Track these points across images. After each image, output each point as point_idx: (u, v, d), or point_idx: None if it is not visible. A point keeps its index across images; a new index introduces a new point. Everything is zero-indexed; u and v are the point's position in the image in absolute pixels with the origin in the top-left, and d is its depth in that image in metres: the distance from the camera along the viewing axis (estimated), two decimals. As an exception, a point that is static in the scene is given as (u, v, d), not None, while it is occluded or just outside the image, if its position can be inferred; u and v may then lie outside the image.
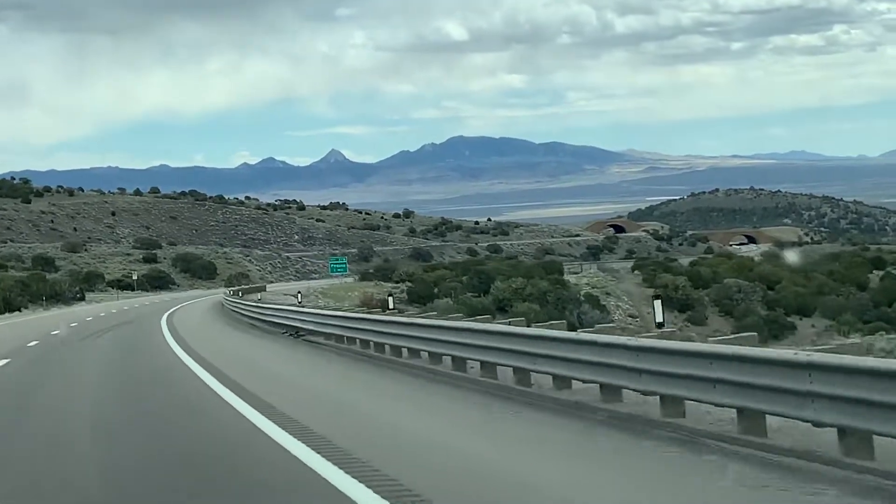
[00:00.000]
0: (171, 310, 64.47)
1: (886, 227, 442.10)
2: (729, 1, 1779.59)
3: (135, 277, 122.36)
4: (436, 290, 78.10)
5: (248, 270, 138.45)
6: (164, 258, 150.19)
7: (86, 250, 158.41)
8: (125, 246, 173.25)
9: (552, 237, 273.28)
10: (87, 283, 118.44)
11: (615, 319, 72.48)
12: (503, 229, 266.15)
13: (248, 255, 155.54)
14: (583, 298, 72.06)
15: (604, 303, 76.04)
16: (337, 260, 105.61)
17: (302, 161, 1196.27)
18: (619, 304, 79.10)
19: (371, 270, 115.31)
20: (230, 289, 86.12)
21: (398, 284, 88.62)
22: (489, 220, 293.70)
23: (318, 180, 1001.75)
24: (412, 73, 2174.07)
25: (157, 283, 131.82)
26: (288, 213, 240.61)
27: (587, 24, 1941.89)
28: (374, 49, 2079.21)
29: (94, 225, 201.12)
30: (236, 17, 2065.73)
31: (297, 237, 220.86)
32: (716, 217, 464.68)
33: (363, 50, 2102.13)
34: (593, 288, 79.52)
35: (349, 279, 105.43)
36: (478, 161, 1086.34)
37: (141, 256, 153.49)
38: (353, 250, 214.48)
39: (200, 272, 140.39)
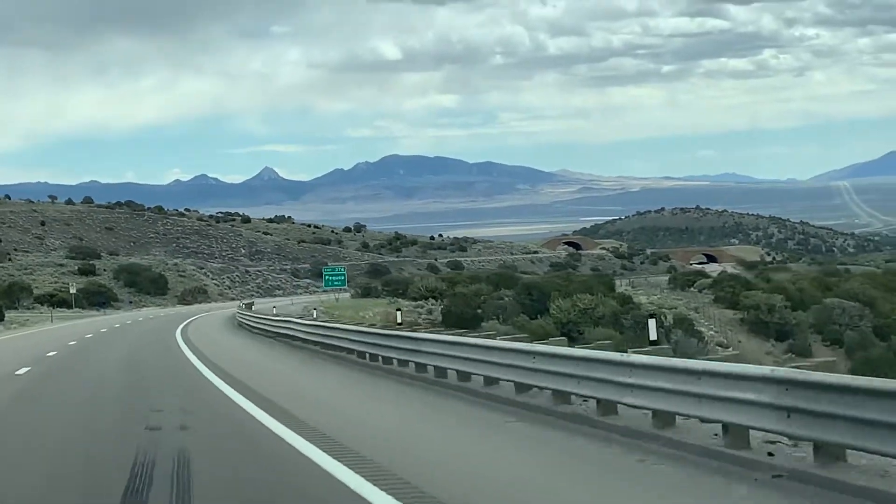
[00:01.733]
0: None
1: (834, 249, 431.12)
2: (660, 24, 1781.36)
3: (73, 291, 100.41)
4: (479, 311, 59.84)
5: (205, 285, 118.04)
6: (105, 270, 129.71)
7: (10, 260, 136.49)
8: (57, 256, 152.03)
9: (512, 254, 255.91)
10: (8, 299, 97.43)
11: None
12: (461, 245, 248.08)
13: (202, 268, 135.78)
14: (671, 322, 54.15)
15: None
16: (333, 271, 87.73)
17: (235, 178, 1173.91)
18: (700, 328, 61.11)
19: (378, 286, 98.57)
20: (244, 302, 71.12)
21: (419, 302, 70.52)
22: (439, 236, 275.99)
23: (252, 198, 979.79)
24: (346, 92, 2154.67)
25: (97, 298, 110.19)
26: (233, 226, 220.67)
27: (520, 45, 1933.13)
28: (308, 67, 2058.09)
29: (20, 235, 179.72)
30: (170, 34, 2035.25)
31: (244, 251, 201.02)
32: (662, 236, 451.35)
33: (297, 68, 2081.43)
34: (660, 308, 61.53)
35: (345, 294, 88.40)
36: (412, 180, 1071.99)
37: (76, 268, 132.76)
38: (305, 265, 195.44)
39: (148, 287, 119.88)
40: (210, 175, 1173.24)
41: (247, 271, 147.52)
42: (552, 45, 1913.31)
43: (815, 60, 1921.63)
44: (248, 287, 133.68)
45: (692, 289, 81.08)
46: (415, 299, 74.62)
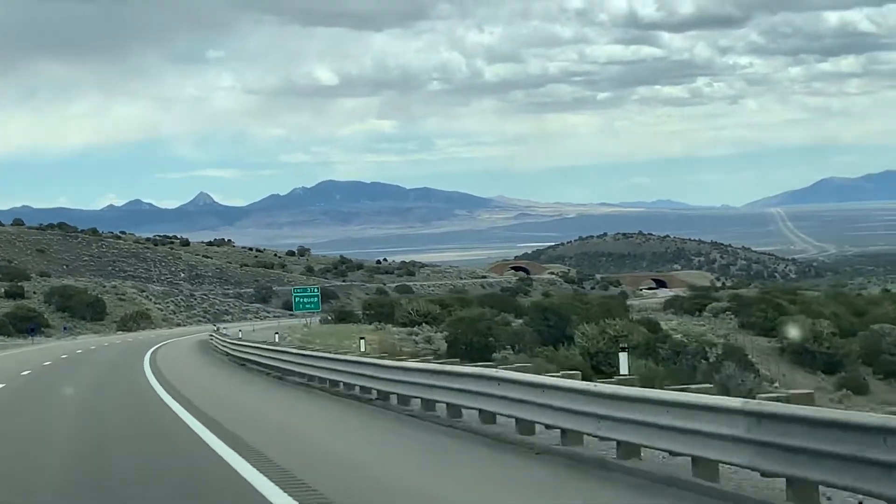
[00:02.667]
0: None
1: (776, 274, 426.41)
2: (595, 51, 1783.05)
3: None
4: (489, 339, 50.00)
5: (147, 310, 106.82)
6: (35, 292, 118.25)
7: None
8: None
9: (461, 278, 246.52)
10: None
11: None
12: (409, 269, 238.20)
13: (143, 291, 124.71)
14: (718, 353, 44.81)
15: (712, 357, 48.82)
16: (305, 292, 77.81)
17: (170, 204, 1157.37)
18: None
19: (355, 310, 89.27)
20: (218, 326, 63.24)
21: (410, 328, 60.73)
22: (384, 260, 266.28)
23: (187, 223, 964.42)
24: (282, 117, 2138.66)
25: (26, 325, 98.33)
26: (172, 249, 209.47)
27: (457, 72, 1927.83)
28: (244, 92, 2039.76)
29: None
30: (103, 59, 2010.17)
31: (183, 274, 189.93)
32: (605, 262, 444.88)
33: (232, 93, 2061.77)
34: (686, 334, 52.12)
35: (313, 319, 78.73)
36: (349, 205, 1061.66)
37: (2, 290, 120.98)
38: (248, 290, 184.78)
39: (84, 311, 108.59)
40: (145, 200, 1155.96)
41: (192, 295, 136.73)
42: (489, 72, 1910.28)
43: (748, 88, 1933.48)
44: (195, 312, 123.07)
45: (704, 313, 71.64)
46: (404, 325, 64.91)
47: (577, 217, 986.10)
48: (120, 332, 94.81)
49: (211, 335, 65.54)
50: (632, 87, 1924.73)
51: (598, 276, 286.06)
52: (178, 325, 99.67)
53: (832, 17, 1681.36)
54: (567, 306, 60.73)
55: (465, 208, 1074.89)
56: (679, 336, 50.51)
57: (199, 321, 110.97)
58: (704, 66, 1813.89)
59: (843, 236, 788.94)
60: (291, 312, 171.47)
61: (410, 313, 68.69)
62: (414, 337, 54.93)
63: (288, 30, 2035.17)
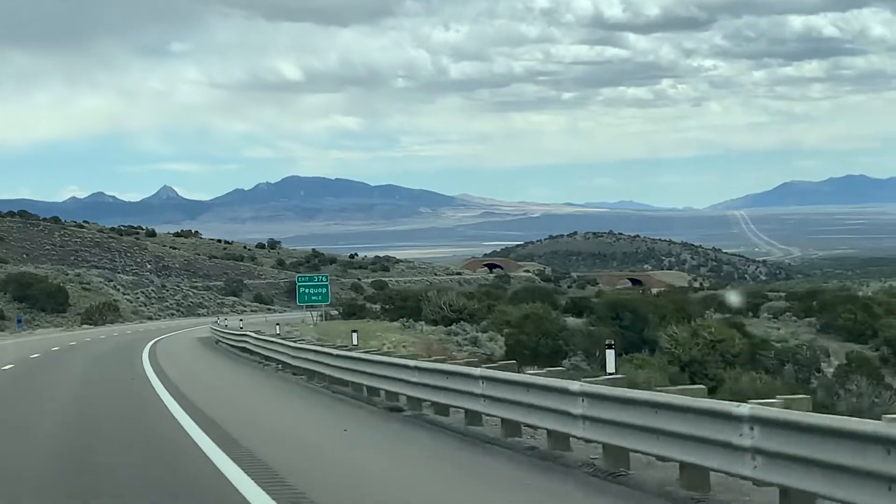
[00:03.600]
0: None
1: (746, 276, 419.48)
2: (560, 51, 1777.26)
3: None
4: (558, 342, 40.44)
5: (115, 300, 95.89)
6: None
7: None
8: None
9: (436, 274, 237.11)
10: None
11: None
12: (383, 265, 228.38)
13: (111, 281, 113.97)
14: (842, 365, 35.52)
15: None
16: (311, 281, 67.77)
17: (133, 196, 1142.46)
18: (828, 367, 42.55)
19: (369, 304, 79.83)
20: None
21: (446, 326, 50.96)
22: (354, 255, 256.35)
23: (150, 216, 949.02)
24: (247, 112, 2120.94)
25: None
26: (137, 239, 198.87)
27: (422, 69, 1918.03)
28: (208, 86, 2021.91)
29: None
30: (66, 50, 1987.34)
31: (149, 266, 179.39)
32: (575, 261, 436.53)
33: (197, 86, 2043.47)
34: (766, 339, 42.76)
35: (313, 314, 69.23)
36: (313, 201, 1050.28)
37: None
38: (218, 283, 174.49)
39: (44, 302, 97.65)
40: (108, 193, 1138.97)
41: (163, 286, 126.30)
42: (454, 70, 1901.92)
43: (712, 91, 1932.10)
44: (167, 304, 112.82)
45: (761, 314, 62.08)
46: (435, 322, 55.10)
47: (541, 216, 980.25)
48: (86, 327, 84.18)
49: (214, 329, 57.23)
50: (597, 88, 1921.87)
51: (574, 275, 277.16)
52: (150, 318, 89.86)
53: (796, 22, 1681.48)
54: (639, 303, 50.98)
55: (429, 206, 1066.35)
56: (777, 343, 41.01)
57: (172, 314, 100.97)
58: (669, 68, 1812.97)
59: (807, 239, 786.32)
60: (269, 306, 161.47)
61: (442, 308, 58.50)
62: (455, 337, 45.24)
63: (254, 24, 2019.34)
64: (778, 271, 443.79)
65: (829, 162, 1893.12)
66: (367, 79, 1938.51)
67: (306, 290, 65.60)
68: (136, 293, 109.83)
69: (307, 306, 68.46)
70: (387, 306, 74.34)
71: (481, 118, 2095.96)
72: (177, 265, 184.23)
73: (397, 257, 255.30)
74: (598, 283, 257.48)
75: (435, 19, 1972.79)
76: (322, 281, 67.74)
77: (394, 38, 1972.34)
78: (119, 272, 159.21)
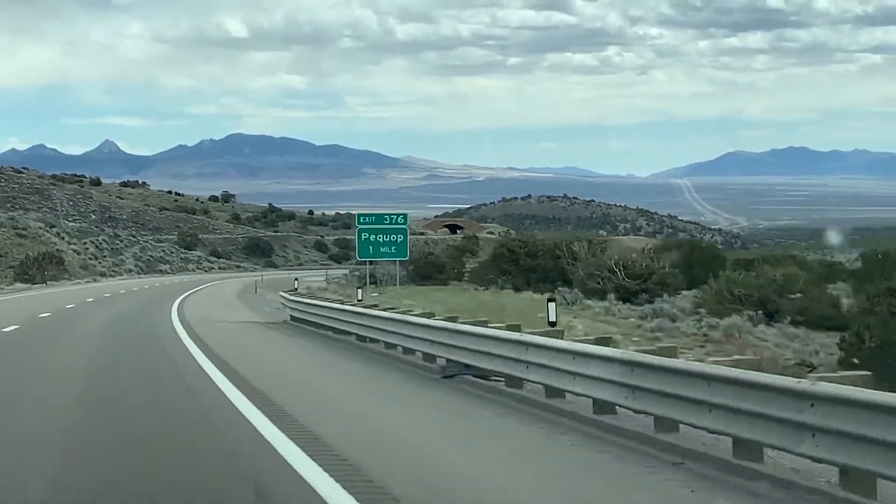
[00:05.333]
0: None
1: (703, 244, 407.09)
2: (507, 15, 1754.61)
3: None
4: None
5: (59, 251, 76.66)
6: None
7: None
8: None
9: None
10: None
11: None
12: (345, 222, 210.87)
13: (53, 227, 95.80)
14: None
15: None
16: (381, 223, 48.93)
17: (74, 150, 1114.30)
18: None
19: (464, 269, 63.07)
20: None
21: (635, 303, 33.95)
22: (309, 212, 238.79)
23: (91, 170, 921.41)
24: (191, 68, 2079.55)
25: None
26: (82, 187, 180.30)
27: (369, 29, 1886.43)
28: (153, 40, 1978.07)
29: None
30: (14, 1, 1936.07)
31: (94, 216, 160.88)
32: (529, 224, 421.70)
33: (141, 41, 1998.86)
34: None
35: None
36: (257, 159, 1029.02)
37: None
38: (170, 236, 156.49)
39: (-32, 251, 79.67)
40: (48, 145, 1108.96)
41: (117, 236, 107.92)
42: (401, 31, 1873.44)
43: (657, 60, 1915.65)
44: (122, 258, 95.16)
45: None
46: (602, 293, 37.73)
47: (486, 180, 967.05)
48: (20, 286, 65.55)
49: (289, 300, 42.07)
50: (543, 54, 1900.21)
51: (539, 237, 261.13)
52: (103, 274, 72.92)
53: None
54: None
55: (374, 167, 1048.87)
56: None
57: (130, 271, 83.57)
58: (615, 35, 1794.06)
59: (751, 209, 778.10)
60: (228, 264, 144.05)
61: (614, 273, 40.45)
62: (672, 323, 28.50)
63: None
64: (734, 240, 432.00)
65: (771, 133, 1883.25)
66: (313, 37, 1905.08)
67: (373, 239, 47.31)
68: (85, 243, 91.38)
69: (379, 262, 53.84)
70: (502, 264, 57.03)
71: (427, 81, 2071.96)
72: (124, 216, 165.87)
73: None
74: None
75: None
76: (399, 223, 48.54)
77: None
78: (61, 222, 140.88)
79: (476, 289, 52.90)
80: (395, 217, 51.54)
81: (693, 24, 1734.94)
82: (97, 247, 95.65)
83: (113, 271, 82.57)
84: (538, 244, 67.26)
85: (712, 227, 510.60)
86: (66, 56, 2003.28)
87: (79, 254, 78.42)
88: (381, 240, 48.28)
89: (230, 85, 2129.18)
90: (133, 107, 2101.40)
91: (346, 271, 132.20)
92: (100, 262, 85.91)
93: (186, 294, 53.55)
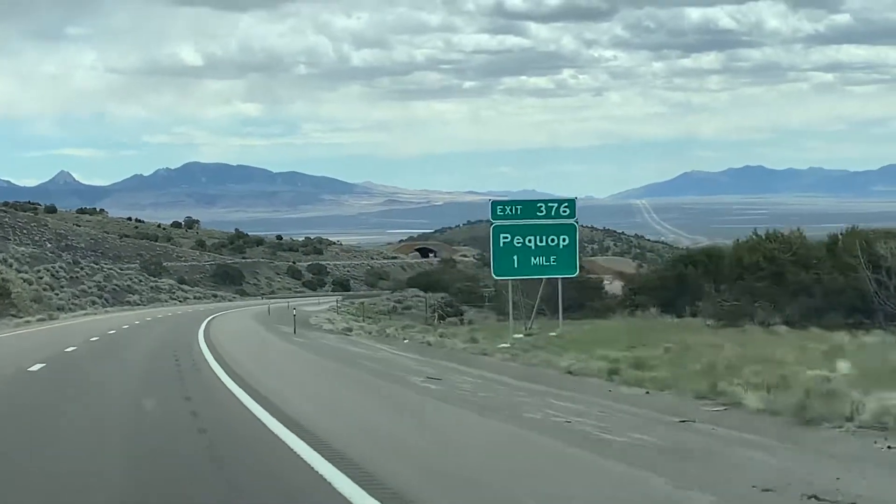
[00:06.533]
0: None
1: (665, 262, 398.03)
2: (462, 40, 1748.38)
3: None
4: None
5: (5, 281, 63.72)
6: None
7: None
8: None
9: (372, 258, 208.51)
10: None
11: None
12: (316, 247, 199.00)
13: (0, 253, 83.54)
14: None
15: None
16: (533, 214, 34.48)
17: (29, 182, 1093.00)
18: None
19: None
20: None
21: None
22: (278, 238, 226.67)
23: (47, 201, 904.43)
24: (145, 97, 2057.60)
25: None
26: (36, 214, 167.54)
27: (324, 56, 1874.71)
28: (105, 71, 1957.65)
29: None
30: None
31: (50, 244, 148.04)
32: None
33: (93, 71, 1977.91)
34: None
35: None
36: (214, 187, 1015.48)
37: None
38: (132, 265, 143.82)
39: None
40: (2, 178, 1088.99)
41: (76, 263, 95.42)
42: (356, 57, 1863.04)
43: (612, 82, 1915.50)
44: (84, 288, 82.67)
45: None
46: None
47: (444, 204, 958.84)
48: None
49: None
50: (498, 77, 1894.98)
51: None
52: (60, 308, 61.08)
53: (695, 14, 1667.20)
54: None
55: (332, 193, 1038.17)
56: None
57: (95, 304, 71.59)
58: (570, 58, 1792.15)
59: (711, 229, 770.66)
60: (204, 293, 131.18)
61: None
62: None
63: (151, 8, 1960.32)
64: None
65: (727, 153, 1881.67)
66: (267, 65, 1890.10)
67: (519, 245, 32.90)
68: (38, 271, 78.77)
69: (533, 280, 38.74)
70: (752, 288, 41.48)
71: (383, 106, 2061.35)
72: (82, 244, 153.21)
73: (331, 239, 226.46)
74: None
75: (335, 6, 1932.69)
76: (562, 215, 33.91)
77: (294, 24, 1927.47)
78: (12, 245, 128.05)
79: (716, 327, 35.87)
80: (554, 206, 34.81)
81: (647, 45, 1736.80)
82: (53, 275, 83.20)
83: (73, 304, 70.41)
84: (810, 250, 47.21)
85: (677, 246, 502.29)
86: (17, 88, 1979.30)
87: (30, 284, 66.90)
88: (532, 245, 33.34)
89: (185, 114, 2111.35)
90: (87, 138, 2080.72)
91: (337, 298, 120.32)
92: (56, 294, 73.62)
93: (219, 353, 32.59)
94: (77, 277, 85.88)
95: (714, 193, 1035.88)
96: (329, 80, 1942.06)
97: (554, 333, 35.18)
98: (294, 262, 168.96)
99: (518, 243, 34.97)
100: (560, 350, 28.83)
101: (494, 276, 36.89)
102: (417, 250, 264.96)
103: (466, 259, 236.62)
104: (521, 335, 35.72)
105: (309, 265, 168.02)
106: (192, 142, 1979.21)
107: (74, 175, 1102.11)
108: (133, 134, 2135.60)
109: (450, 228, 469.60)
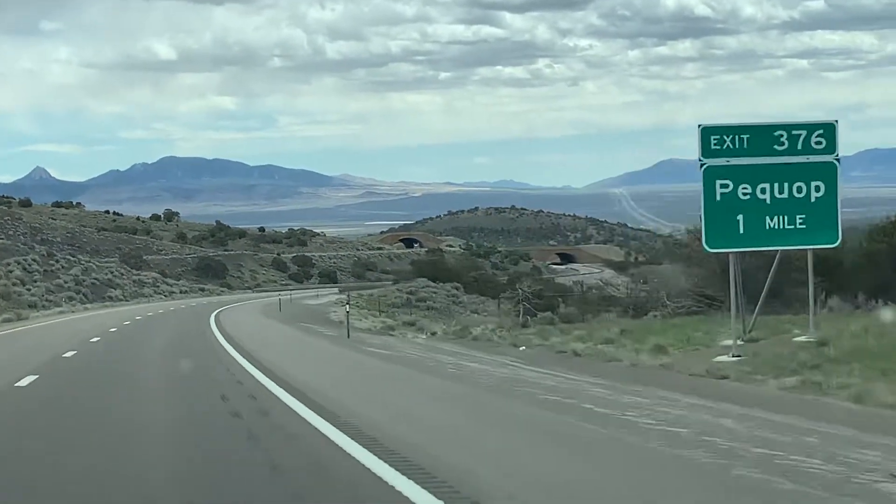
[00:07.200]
0: None
1: (654, 251, 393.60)
2: (437, 30, 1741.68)
3: None
4: None
5: None
6: None
7: None
8: None
9: (358, 249, 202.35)
10: None
11: None
12: (299, 238, 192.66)
13: (-35, 244, 77.38)
14: None
15: None
16: (766, 144, 21.84)
17: (4, 178, 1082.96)
18: None
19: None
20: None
21: None
22: (260, 229, 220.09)
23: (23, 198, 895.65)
24: (120, 92, 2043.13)
25: None
26: (10, 207, 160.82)
27: (299, 49, 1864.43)
28: (80, 66, 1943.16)
29: None
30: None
31: (24, 238, 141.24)
32: (477, 236, 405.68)
33: (68, 66, 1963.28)
34: None
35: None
36: (191, 182, 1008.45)
37: None
38: (111, 259, 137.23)
39: None
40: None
41: (51, 254, 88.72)
42: (331, 49, 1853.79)
43: (588, 71, 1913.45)
44: (59, 283, 76.02)
45: None
46: None
47: (422, 196, 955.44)
48: None
49: None
50: (473, 68, 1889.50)
51: (501, 250, 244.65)
52: (33, 305, 54.90)
53: (670, 2, 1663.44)
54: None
55: (310, 186, 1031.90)
56: None
57: (72, 300, 65.26)
58: (545, 47, 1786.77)
59: (690, 216, 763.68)
60: (190, 286, 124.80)
61: None
62: None
63: (125, 2, 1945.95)
64: (686, 246, 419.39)
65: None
66: (242, 58, 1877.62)
67: (747, 198, 22.38)
68: (8, 264, 71.87)
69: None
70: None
71: (359, 98, 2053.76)
72: (58, 238, 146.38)
73: (315, 230, 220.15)
74: (530, 258, 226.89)
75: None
76: (818, 146, 21.90)
77: (269, 16, 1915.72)
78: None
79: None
80: (802, 134, 23.09)
81: (623, 34, 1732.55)
82: (25, 269, 76.18)
83: (47, 300, 63.86)
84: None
85: (659, 233, 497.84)
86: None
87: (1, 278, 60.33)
88: (768, 197, 22.60)
89: (160, 108, 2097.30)
90: (63, 133, 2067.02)
91: (337, 290, 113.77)
92: (29, 290, 66.64)
93: (286, 381, 21.19)
94: (52, 271, 78.84)
95: (692, 181, 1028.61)
96: (304, 72, 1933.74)
97: (804, 338, 24.61)
98: (279, 254, 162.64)
99: (745, 194, 23.65)
100: (865, 371, 18.69)
101: (707, 247, 25.01)
102: (402, 241, 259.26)
103: (453, 249, 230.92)
104: (737, 340, 24.54)
105: (294, 257, 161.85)
106: (169, 136, 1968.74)
107: (50, 171, 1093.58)
108: (109, 129, 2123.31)
109: (430, 219, 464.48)
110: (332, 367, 26.21)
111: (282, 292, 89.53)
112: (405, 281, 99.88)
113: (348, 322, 40.98)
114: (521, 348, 32.38)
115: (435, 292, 74.99)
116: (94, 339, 34.06)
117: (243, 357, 27.41)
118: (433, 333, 40.67)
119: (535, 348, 31.96)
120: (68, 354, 27.38)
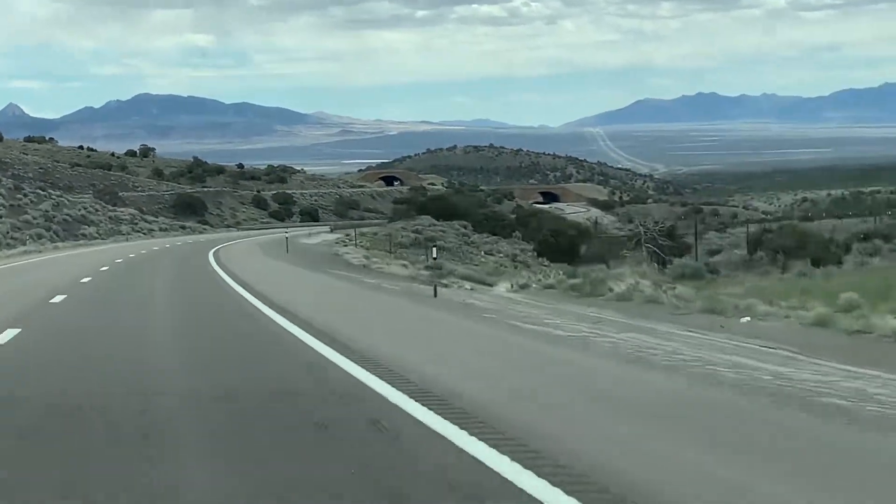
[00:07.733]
0: None
1: (635, 187, 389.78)
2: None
3: None
4: None
5: None
6: None
7: None
8: None
9: (339, 187, 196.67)
10: None
11: None
12: (280, 175, 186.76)
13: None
14: None
15: None
16: None
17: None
18: None
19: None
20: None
21: None
22: (239, 165, 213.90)
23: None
24: (93, 28, 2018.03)
25: None
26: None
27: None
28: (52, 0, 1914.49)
29: None
30: None
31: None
32: (456, 175, 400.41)
33: (40, 0, 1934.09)
34: None
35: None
36: (166, 119, 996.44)
37: None
38: (85, 196, 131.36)
39: None
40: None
41: (19, 188, 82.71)
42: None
43: (564, 9, 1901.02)
44: (27, 219, 70.19)
45: None
46: None
47: (398, 135, 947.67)
48: None
49: None
50: (450, 6, 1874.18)
51: (487, 189, 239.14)
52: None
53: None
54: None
55: (285, 124, 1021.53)
56: None
57: (41, 237, 59.73)
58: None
59: (667, 156, 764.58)
60: (171, 224, 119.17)
61: None
62: None
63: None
64: (666, 186, 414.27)
65: (680, 80, 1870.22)
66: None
67: None
68: (-28, 198, 66.06)
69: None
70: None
71: (335, 36, 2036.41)
72: (30, 174, 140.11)
73: (295, 167, 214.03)
74: (514, 197, 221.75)
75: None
76: None
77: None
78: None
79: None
80: None
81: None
82: (-9, 204, 70.23)
83: (12, 239, 58.10)
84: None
85: (639, 173, 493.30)
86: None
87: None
88: None
89: (134, 45, 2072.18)
90: (35, 69, 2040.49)
91: (328, 228, 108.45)
92: (-3, 228, 60.88)
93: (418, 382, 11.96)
94: (19, 206, 72.83)
95: (668, 121, 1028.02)
96: (280, 10, 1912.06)
97: None
98: (259, 191, 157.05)
99: None
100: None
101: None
102: (381, 178, 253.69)
103: (436, 187, 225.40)
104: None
105: (274, 194, 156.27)
106: (142, 73, 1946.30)
107: (23, 108, 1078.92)
108: (82, 65, 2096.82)
109: (409, 157, 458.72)
110: (485, 359, 14.14)
111: (275, 230, 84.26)
112: (407, 219, 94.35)
113: (436, 288, 27.76)
114: (743, 320, 21.48)
115: (444, 231, 69.50)
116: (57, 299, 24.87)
117: (325, 344, 14.52)
118: (522, 286, 31.51)
119: (766, 319, 21.12)
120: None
